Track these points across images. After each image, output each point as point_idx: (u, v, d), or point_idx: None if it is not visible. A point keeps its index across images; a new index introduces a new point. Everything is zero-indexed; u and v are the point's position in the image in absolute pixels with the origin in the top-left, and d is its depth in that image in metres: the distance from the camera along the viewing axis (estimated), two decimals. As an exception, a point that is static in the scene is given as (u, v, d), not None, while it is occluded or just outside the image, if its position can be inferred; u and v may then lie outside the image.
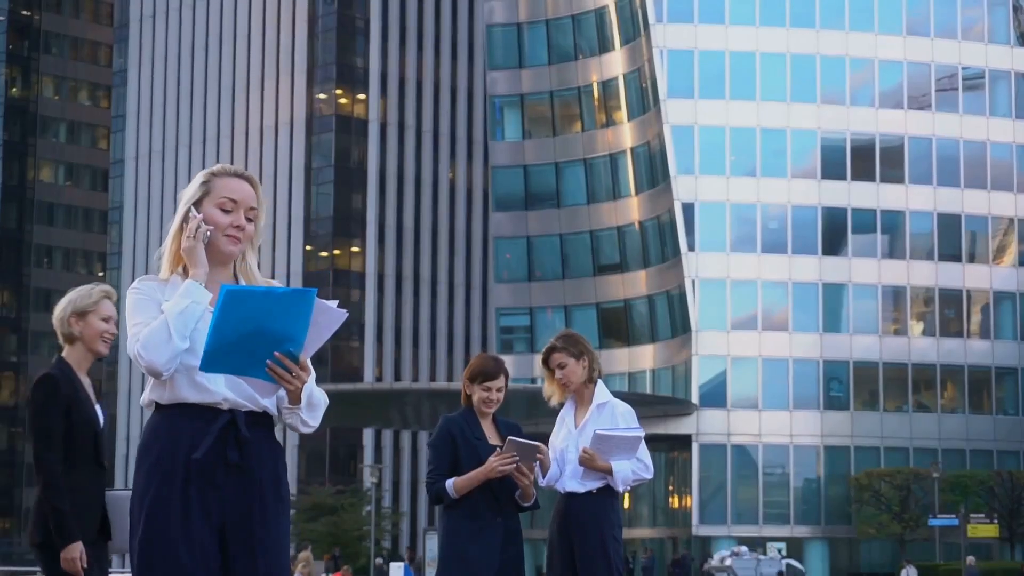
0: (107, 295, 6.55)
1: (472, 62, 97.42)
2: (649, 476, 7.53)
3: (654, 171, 67.43)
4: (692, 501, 64.97)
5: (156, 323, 4.23)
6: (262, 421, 4.38)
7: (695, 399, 64.93)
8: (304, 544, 40.77)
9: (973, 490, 62.27)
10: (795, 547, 61.87)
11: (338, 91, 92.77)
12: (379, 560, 55.28)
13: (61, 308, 6.53)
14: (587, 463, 7.36)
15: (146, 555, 4.26)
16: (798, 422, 65.23)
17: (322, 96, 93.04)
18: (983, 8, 69.10)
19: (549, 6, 73.12)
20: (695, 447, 64.91)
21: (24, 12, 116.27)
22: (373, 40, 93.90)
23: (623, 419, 7.49)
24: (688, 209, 65.55)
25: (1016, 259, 68.78)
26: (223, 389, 4.29)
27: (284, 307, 4.14)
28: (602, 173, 70.72)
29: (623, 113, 69.81)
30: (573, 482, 7.41)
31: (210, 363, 4.15)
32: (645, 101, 67.97)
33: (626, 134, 69.44)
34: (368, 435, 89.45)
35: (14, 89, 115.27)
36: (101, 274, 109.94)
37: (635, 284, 68.95)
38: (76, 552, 6.16)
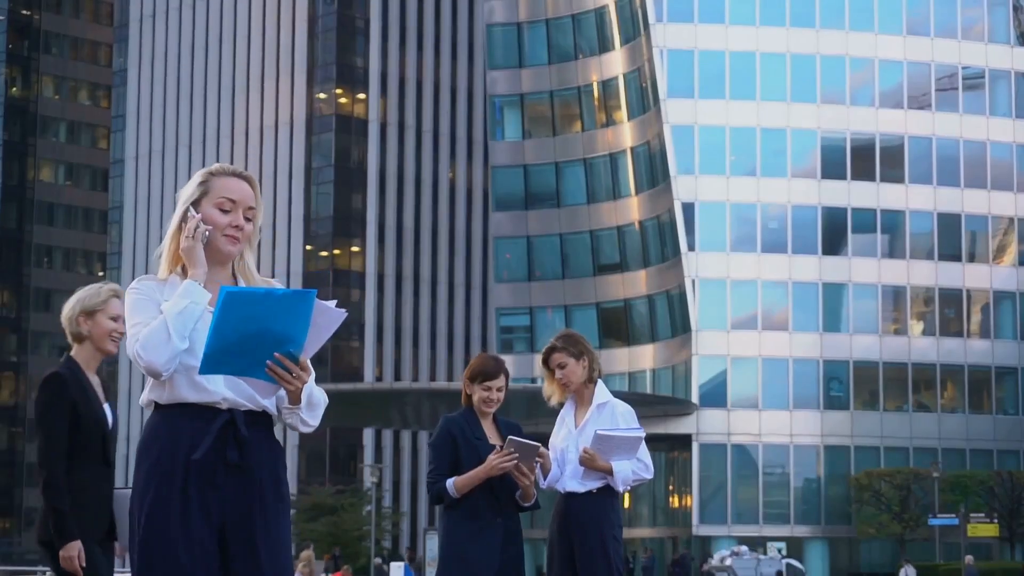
0: (115, 294, 6.56)
1: (472, 62, 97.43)
2: (649, 476, 7.52)
3: (654, 171, 67.43)
4: (692, 501, 64.97)
5: (155, 323, 4.23)
6: (261, 420, 4.38)
7: (695, 399, 64.93)
8: (306, 543, 40.74)
9: (973, 490, 62.28)
10: (795, 547, 61.88)
11: (338, 91, 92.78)
12: (378, 560, 55.25)
13: (70, 307, 6.54)
14: (587, 463, 7.36)
15: (145, 555, 4.26)
16: (798, 422, 65.23)
17: (322, 96, 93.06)
18: (983, 8, 69.10)
19: (549, 6, 73.12)
20: (695, 447, 64.92)
21: (24, 12, 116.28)
22: (373, 40, 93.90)
23: (623, 419, 7.48)
24: (688, 209, 65.55)
25: (1016, 259, 68.78)
26: (222, 389, 4.29)
27: (284, 308, 4.14)
28: (602, 173, 70.72)
29: (623, 113, 69.81)
30: (573, 482, 7.41)
31: (210, 365, 4.15)
32: (645, 101, 67.97)
33: (626, 134, 69.44)
34: (368, 435, 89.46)
35: (14, 89, 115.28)
36: (101, 274, 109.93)
37: (635, 284, 68.95)
38: (74, 551, 6.17)
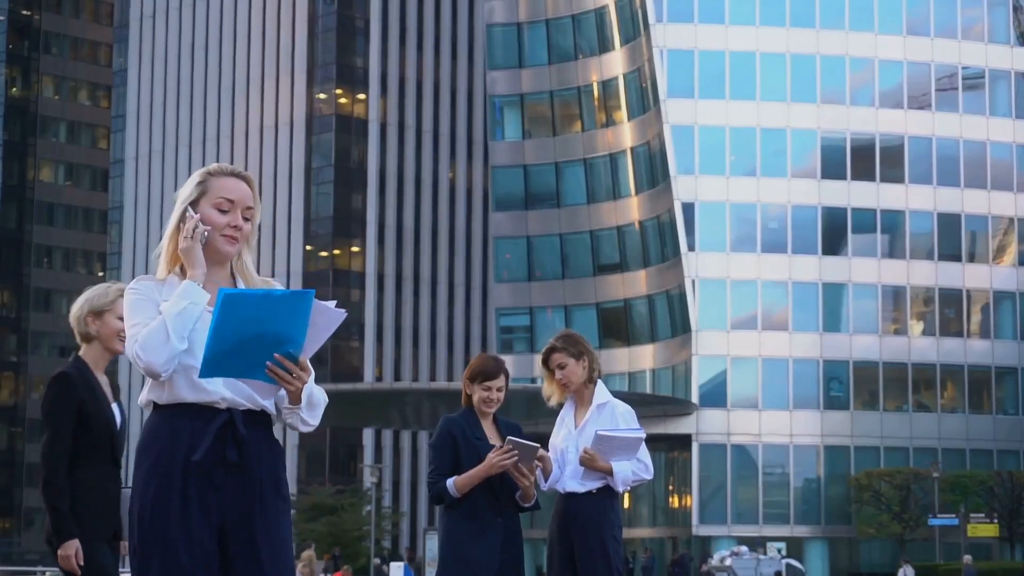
0: (123, 294, 6.57)
1: (472, 62, 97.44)
2: (649, 477, 7.52)
3: (654, 171, 67.43)
4: (692, 501, 64.97)
5: (154, 324, 4.23)
6: (260, 420, 4.37)
7: (695, 399, 64.93)
8: (307, 543, 40.73)
9: (973, 490, 62.28)
10: (795, 547, 61.87)
11: (338, 91, 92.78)
12: (377, 560, 55.25)
13: (78, 307, 6.56)
14: (588, 463, 7.35)
15: (145, 555, 4.26)
16: (798, 422, 65.23)
17: (322, 96, 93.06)
18: (983, 8, 69.09)
19: (549, 6, 73.12)
20: (695, 447, 64.92)
21: (24, 12, 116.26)
22: (373, 40, 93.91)
23: (623, 419, 7.48)
24: (688, 209, 65.55)
25: (1016, 259, 68.78)
26: (221, 388, 4.29)
27: (282, 309, 4.13)
28: (602, 173, 70.72)
29: (623, 113, 69.81)
30: (573, 482, 7.41)
31: (210, 369, 4.15)
32: (645, 101, 67.97)
33: (626, 134, 69.44)
34: (368, 435, 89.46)
35: (14, 89, 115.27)
36: (101, 274, 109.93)
37: (635, 284, 68.95)
38: (71, 550, 6.19)
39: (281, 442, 4.69)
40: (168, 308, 4.23)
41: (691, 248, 65.31)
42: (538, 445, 6.96)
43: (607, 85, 70.52)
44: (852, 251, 66.77)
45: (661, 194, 66.78)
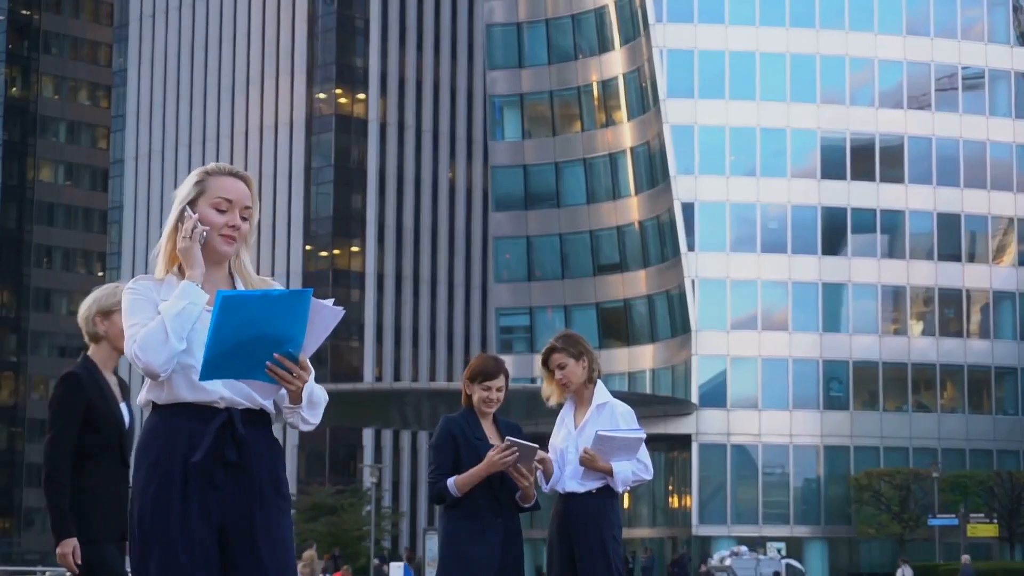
0: None
1: (472, 62, 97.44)
2: (649, 477, 7.52)
3: (654, 171, 67.43)
4: (692, 501, 64.97)
5: (153, 324, 4.23)
6: (259, 419, 4.37)
7: (695, 399, 64.93)
8: (308, 543, 40.72)
9: (973, 490, 62.28)
10: (795, 547, 61.87)
11: (338, 91, 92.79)
12: (376, 561, 55.25)
13: (86, 307, 6.58)
14: (588, 464, 7.35)
15: (145, 555, 4.25)
16: (798, 422, 65.23)
17: (322, 96, 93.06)
18: (983, 8, 69.09)
19: (549, 6, 73.12)
20: (695, 447, 64.92)
21: (24, 12, 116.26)
22: (373, 40, 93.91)
23: (623, 419, 7.48)
24: (688, 209, 65.55)
25: (1016, 259, 68.78)
26: (219, 388, 4.29)
27: (281, 309, 4.13)
28: (602, 173, 70.72)
29: (623, 113, 69.81)
30: (573, 482, 7.41)
31: (210, 371, 4.15)
32: (645, 101, 67.97)
33: (626, 134, 69.44)
34: (368, 435, 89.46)
35: (14, 89, 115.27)
36: (101, 274, 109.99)
37: (635, 284, 68.95)
38: (68, 548, 6.23)
39: (281, 442, 4.69)
40: (167, 308, 4.23)
41: (691, 248, 65.31)
42: (537, 446, 6.96)
43: (607, 85, 70.52)
44: (852, 251, 66.78)
45: (661, 194, 66.78)
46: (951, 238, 67.81)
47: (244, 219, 4.43)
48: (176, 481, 4.24)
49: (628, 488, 7.53)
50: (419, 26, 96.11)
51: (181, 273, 4.35)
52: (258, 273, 4.54)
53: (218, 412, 4.29)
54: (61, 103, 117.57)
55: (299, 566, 29.15)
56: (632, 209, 69.20)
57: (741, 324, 65.57)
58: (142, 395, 4.38)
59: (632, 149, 69.09)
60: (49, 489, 6.26)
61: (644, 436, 7.46)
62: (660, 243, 67.53)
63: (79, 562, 6.24)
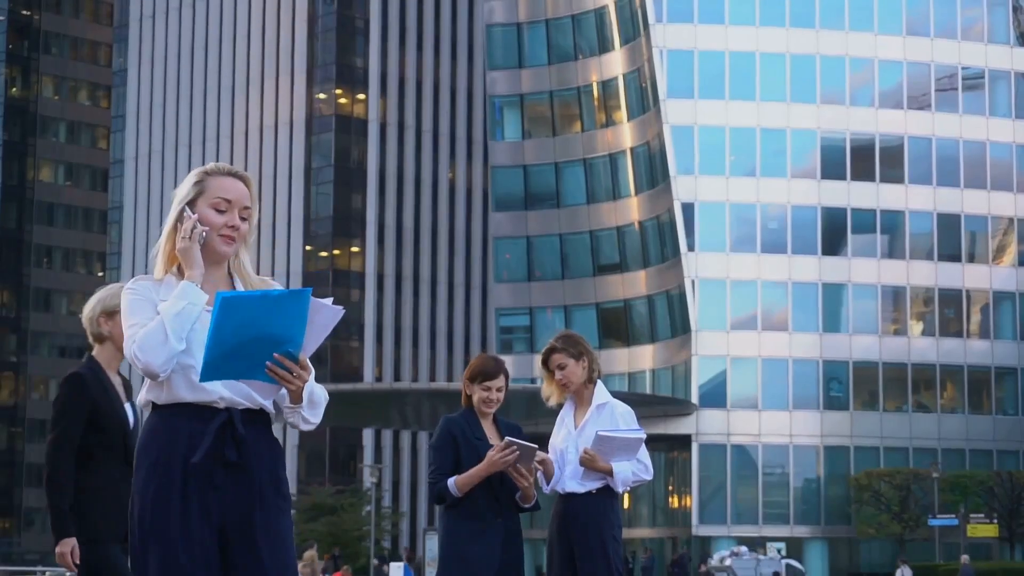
0: None
1: (472, 62, 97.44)
2: (649, 477, 7.52)
3: (654, 171, 67.43)
4: (692, 501, 64.97)
5: (152, 324, 4.22)
6: (259, 419, 4.37)
7: (695, 399, 64.93)
8: (309, 543, 40.74)
9: (973, 490, 62.28)
10: (795, 547, 61.87)
11: (338, 91, 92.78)
12: (375, 561, 55.25)
13: (90, 308, 6.59)
14: (588, 464, 7.35)
15: (144, 555, 4.26)
16: (798, 422, 65.23)
17: (322, 96, 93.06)
18: (983, 8, 69.09)
19: (549, 6, 73.12)
20: (695, 447, 64.92)
21: (24, 12, 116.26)
22: (373, 40, 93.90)
23: (623, 420, 7.48)
24: (688, 209, 65.55)
25: (1016, 259, 68.78)
26: (219, 388, 4.29)
27: (280, 309, 4.13)
28: (602, 173, 70.72)
29: (623, 113, 69.80)
30: (573, 482, 7.41)
31: (210, 372, 4.15)
32: (645, 101, 67.97)
33: (626, 134, 69.43)
34: (368, 435, 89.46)
35: (14, 89, 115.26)
36: (101, 274, 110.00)
37: (635, 284, 68.95)
38: (67, 548, 6.26)
39: (281, 442, 4.69)
40: (166, 308, 4.23)
41: (691, 248, 65.31)
42: (536, 446, 6.96)
43: (607, 85, 70.52)
44: (852, 251, 66.78)
45: (661, 194, 66.78)
46: (951, 238, 67.81)
47: (243, 219, 4.43)
48: (176, 481, 4.24)
49: (628, 488, 7.54)
50: (419, 26, 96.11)
51: (180, 273, 4.35)
52: (258, 273, 4.54)
53: (218, 412, 4.29)
54: (61, 103, 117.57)
55: (300, 566, 29.14)
56: (632, 209, 69.19)
57: (741, 324, 65.57)
58: (142, 395, 4.39)
59: (632, 149, 69.09)
60: (50, 489, 6.28)
61: (644, 436, 7.46)
62: (660, 243, 67.53)
63: (77, 562, 6.26)
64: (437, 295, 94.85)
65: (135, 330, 4.25)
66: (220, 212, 4.39)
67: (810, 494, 66.09)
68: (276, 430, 4.50)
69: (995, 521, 60.28)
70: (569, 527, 7.41)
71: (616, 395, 7.62)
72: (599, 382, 7.57)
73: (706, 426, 64.90)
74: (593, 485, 7.40)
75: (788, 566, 53.00)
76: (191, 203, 4.40)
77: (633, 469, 7.44)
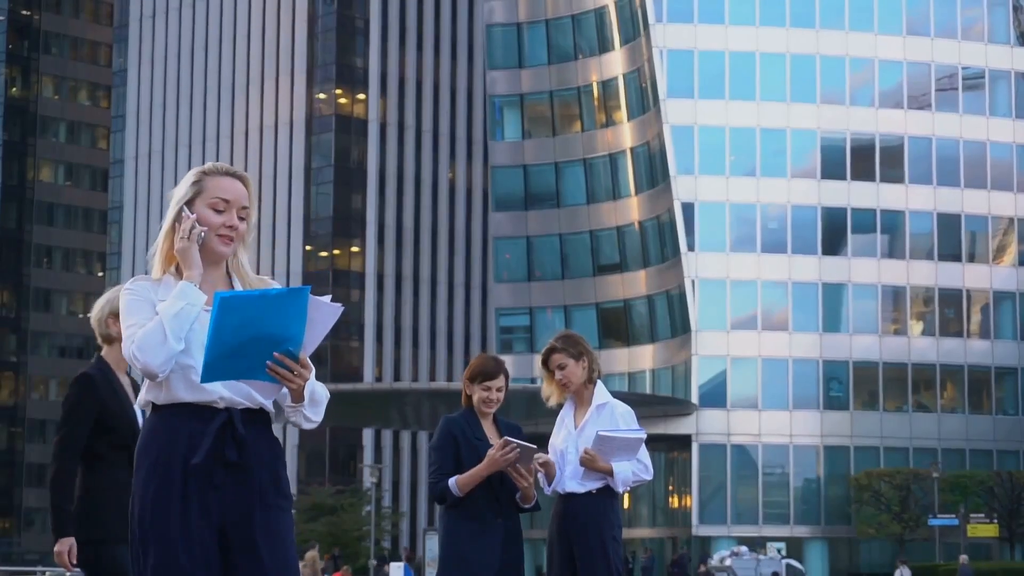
0: None
1: (472, 62, 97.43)
2: (649, 477, 7.52)
3: (654, 171, 67.43)
4: (692, 501, 64.97)
5: (151, 325, 4.22)
6: (259, 418, 4.36)
7: (695, 399, 64.93)
8: (310, 544, 40.77)
9: (973, 490, 62.28)
10: (795, 547, 61.87)
11: (338, 91, 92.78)
12: (374, 561, 55.25)
13: (99, 309, 6.62)
14: (588, 464, 7.35)
15: (144, 555, 4.25)
16: (798, 422, 65.23)
17: (322, 96, 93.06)
18: (983, 8, 69.09)
19: (549, 6, 73.11)
20: (695, 447, 64.91)
21: (24, 12, 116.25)
22: (373, 40, 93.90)
23: (623, 420, 7.47)
24: (688, 209, 65.55)
25: (1016, 259, 68.78)
26: (219, 387, 4.28)
27: (279, 308, 4.12)
28: (602, 173, 70.71)
29: (623, 113, 69.80)
30: (573, 482, 7.40)
31: (210, 373, 4.14)
32: (645, 101, 67.96)
33: (626, 134, 69.43)
34: (368, 435, 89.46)
35: (14, 89, 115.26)
36: (101, 274, 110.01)
37: (635, 284, 68.95)
38: (65, 547, 6.30)
39: (281, 442, 4.68)
40: (165, 309, 4.22)
41: (691, 248, 65.31)
42: (536, 447, 6.96)
43: (607, 85, 70.51)
44: (852, 251, 66.78)
45: (661, 194, 66.77)
46: (951, 238, 67.81)
47: (242, 219, 4.42)
48: (176, 481, 4.24)
49: (628, 488, 7.53)
50: (419, 26, 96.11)
51: (178, 273, 4.35)
52: (257, 273, 4.54)
53: (218, 412, 4.29)
54: (61, 103, 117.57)
55: (300, 566, 29.13)
56: (632, 209, 69.19)
57: (741, 324, 65.57)
58: (142, 395, 4.39)
59: (632, 149, 69.09)
60: (54, 488, 6.32)
61: (644, 436, 7.46)
62: (660, 243, 67.52)
63: (74, 561, 6.28)
64: (437, 295, 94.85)
65: (134, 330, 4.24)
66: (218, 212, 4.38)
67: (810, 494, 66.09)
68: (276, 430, 4.50)
69: (995, 521, 60.27)
70: (569, 527, 7.40)
71: (616, 395, 7.62)
72: (599, 382, 7.57)
73: (706, 426, 64.90)
74: (593, 485, 7.39)
75: (788, 566, 53.01)
76: (189, 203, 4.39)
77: (633, 469, 7.43)
